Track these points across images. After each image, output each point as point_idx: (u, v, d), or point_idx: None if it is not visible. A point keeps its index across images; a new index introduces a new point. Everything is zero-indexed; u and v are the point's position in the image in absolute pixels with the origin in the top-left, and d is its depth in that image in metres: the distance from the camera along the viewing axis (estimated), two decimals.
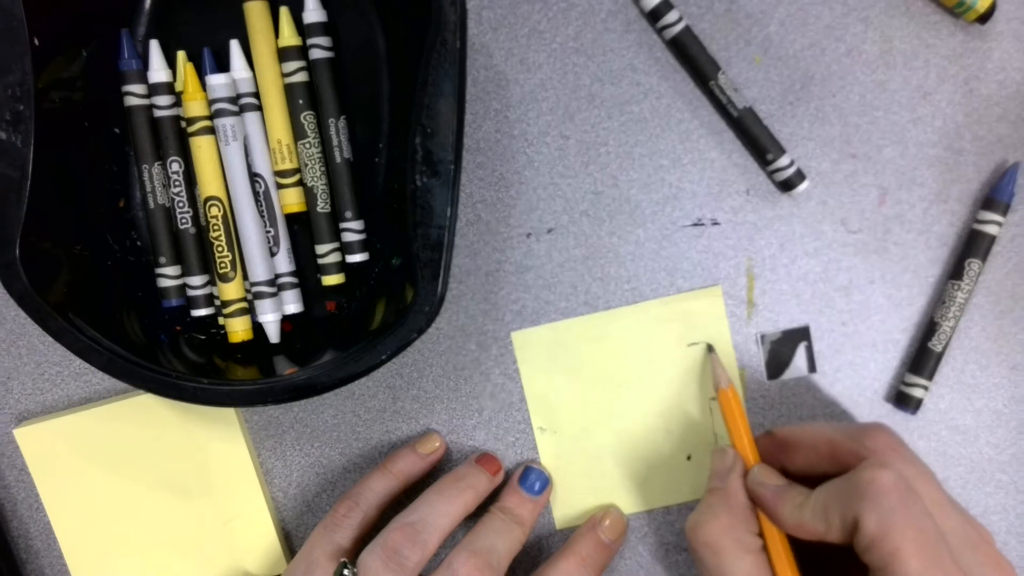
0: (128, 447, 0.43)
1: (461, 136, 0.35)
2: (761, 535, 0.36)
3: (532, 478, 0.42)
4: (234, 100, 0.40)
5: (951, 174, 0.42)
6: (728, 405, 0.39)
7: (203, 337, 0.42)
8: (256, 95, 0.40)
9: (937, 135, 0.42)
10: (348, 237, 0.41)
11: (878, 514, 0.31)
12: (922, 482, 0.33)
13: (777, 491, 0.35)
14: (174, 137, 0.40)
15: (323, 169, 0.40)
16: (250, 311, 0.41)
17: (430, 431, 0.43)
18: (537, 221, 0.43)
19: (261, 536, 0.43)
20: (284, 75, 0.40)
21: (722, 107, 0.41)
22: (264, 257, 0.40)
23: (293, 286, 0.41)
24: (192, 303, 0.41)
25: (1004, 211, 0.41)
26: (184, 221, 0.41)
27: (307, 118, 0.40)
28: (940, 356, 0.42)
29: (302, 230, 0.42)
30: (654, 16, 0.41)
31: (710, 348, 0.42)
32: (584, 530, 0.42)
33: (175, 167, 0.40)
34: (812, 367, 0.43)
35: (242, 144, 0.40)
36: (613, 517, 0.42)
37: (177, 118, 0.40)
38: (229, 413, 0.43)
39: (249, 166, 0.40)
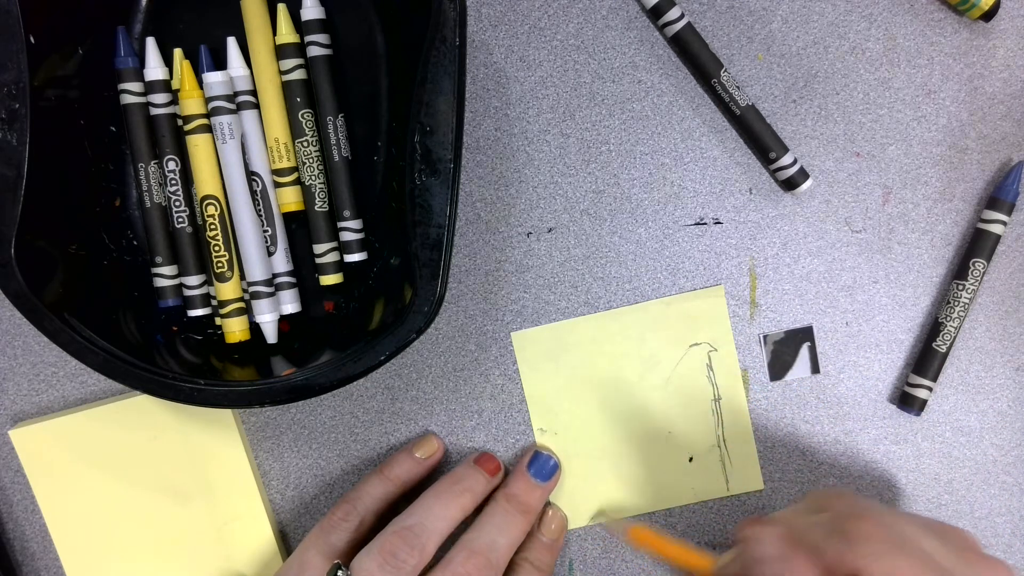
0: (125, 448, 0.42)
1: (460, 134, 0.35)
2: None
3: (541, 463, 0.41)
4: (231, 98, 0.39)
5: (955, 173, 0.42)
6: (646, 539, 0.39)
7: (200, 337, 0.42)
8: (253, 93, 0.40)
9: (941, 133, 0.42)
10: (346, 236, 0.40)
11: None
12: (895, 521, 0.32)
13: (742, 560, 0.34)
14: (171, 135, 0.40)
15: (321, 168, 0.40)
16: (247, 311, 0.41)
17: (428, 433, 0.43)
18: (537, 220, 0.42)
19: (258, 538, 0.43)
20: (282, 73, 0.40)
21: (724, 105, 0.41)
22: (261, 256, 0.40)
23: (291, 286, 0.41)
24: (189, 303, 0.41)
25: (1009, 210, 0.41)
26: (181, 220, 0.40)
27: (305, 116, 0.40)
28: (944, 357, 0.41)
29: (300, 229, 0.42)
30: (655, 13, 0.41)
31: (602, 524, 0.42)
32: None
33: (172, 166, 0.40)
34: (815, 368, 0.42)
35: (239, 142, 0.40)
36: (556, 517, 0.42)
37: (174, 116, 0.40)
38: (226, 414, 0.43)
39: (246, 164, 0.40)
